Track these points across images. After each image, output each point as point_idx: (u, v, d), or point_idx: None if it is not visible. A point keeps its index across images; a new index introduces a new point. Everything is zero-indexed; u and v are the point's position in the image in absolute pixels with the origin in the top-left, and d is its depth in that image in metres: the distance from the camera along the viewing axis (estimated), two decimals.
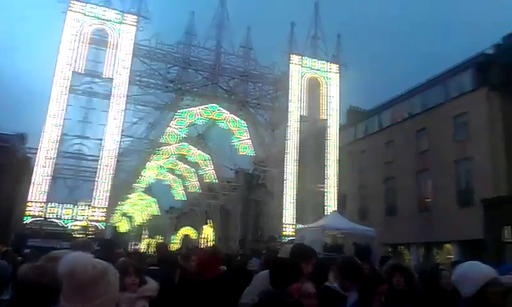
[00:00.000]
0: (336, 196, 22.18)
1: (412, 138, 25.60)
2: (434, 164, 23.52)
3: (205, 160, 30.67)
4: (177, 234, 39.53)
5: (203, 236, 35.28)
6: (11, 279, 3.29)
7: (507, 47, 21.25)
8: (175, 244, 35.15)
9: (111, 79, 18.90)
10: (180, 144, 29.08)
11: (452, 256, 20.20)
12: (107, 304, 1.61)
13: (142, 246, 43.74)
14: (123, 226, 45.50)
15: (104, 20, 19.50)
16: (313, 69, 23.27)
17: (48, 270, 1.83)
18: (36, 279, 1.85)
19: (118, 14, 19.72)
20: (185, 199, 36.64)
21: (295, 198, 21.33)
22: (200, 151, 30.39)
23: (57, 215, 17.10)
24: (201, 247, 21.92)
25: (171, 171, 34.67)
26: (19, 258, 7.54)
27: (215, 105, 23.12)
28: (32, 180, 17.09)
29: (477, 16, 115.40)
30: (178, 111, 22.92)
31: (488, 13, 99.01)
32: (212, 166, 30.34)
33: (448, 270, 4.70)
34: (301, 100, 22.59)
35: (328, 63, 23.50)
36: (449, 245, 22.13)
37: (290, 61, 22.69)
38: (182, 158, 31.86)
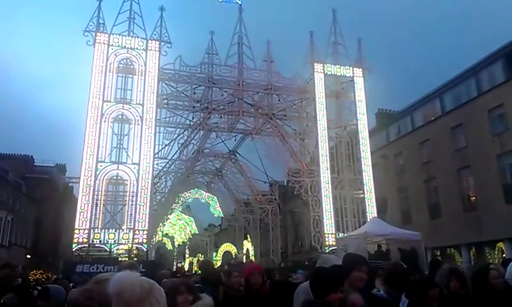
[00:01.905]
0: (375, 201, 21.65)
1: (448, 135, 24.76)
2: (474, 160, 22.60)
3: (237, 175, 30.83)
4: (218, 251, 39.64)
5: (243, 252, 35.21)
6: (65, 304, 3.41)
7: None
8: (217, 261, 35.24)
9: (141, 105, 19.55)
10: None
11: (505, 256, 19.16)
12: None
13: (185, 265, 44.18)
14: (167, 246, 46.44)
15: (128, 48, 20.31)
16: (337, 75, 23.10)
17: (96, 293, 1.87)
18: (86, 302, 1.90)
19: (141, 42, 20.51)
20: (222, 215, 36.79)
21: (332, 207, 20.98)
22: (232, 167, 30.63)
23: (101, 241, 17.61)
24: (244, 262, 21.83)
25: (207, 188, 35.00)
26: (70, 284, 7.76)
27: None
28: (78, 208, 17.73)
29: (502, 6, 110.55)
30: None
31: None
32: (245, 181, 30.44)
33: (498, 268, 4.49)
34: (327, 107, 22.41)
35: (352, 68, 23.26)
36: (502, 244, 20.99)
37: (314, 70, 22.64)
38: (216, 174, 32.17)
